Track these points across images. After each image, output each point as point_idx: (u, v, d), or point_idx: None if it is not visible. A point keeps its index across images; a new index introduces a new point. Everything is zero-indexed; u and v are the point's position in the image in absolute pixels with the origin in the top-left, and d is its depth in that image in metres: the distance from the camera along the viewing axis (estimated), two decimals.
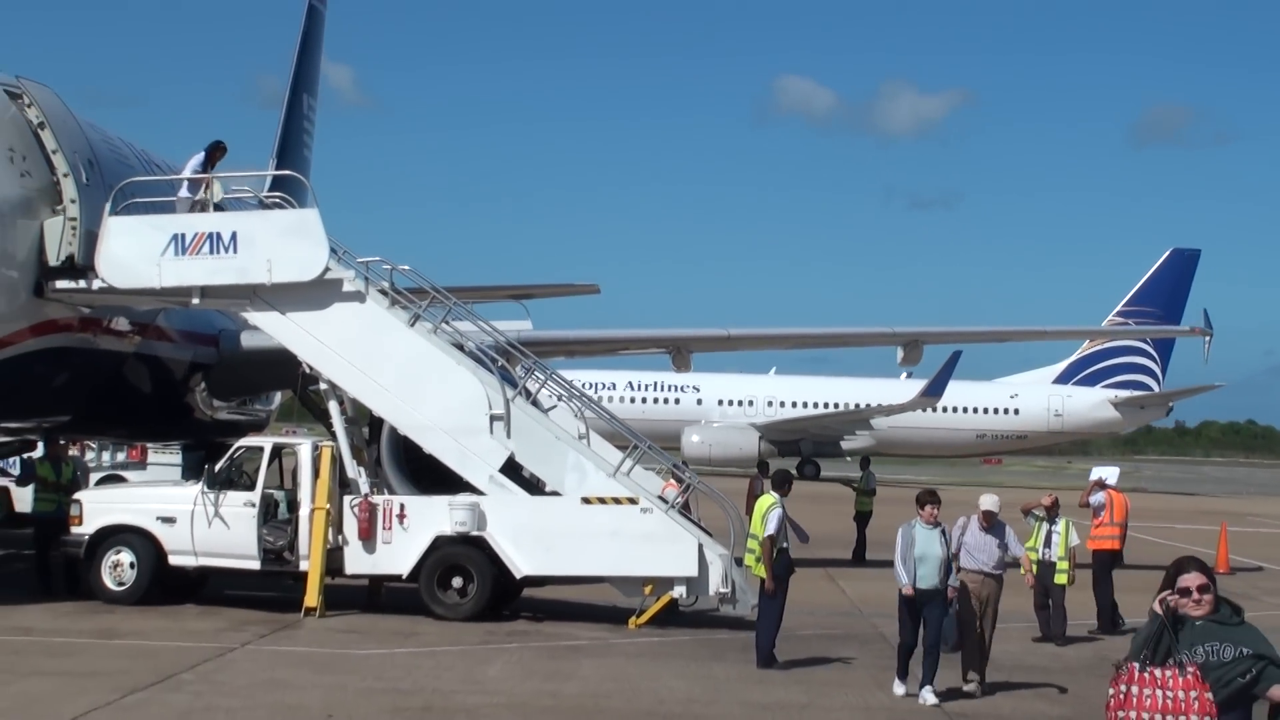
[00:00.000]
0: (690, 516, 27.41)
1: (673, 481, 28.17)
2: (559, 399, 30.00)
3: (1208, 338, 44.41)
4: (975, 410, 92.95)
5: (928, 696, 20.17)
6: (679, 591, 26.46)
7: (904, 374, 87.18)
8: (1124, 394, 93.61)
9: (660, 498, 27.13)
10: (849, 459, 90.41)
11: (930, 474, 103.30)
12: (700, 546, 26.38)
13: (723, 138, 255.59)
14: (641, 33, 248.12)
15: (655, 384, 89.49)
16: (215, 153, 29.55)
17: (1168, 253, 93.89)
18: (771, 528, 22.52)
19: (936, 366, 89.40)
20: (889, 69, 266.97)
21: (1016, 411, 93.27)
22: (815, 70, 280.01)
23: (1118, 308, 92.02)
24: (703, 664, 22.99)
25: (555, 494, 27.20)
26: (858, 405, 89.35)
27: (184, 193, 28.88)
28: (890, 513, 45.78)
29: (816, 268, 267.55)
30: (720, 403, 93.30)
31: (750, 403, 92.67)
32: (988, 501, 21.91)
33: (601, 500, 26.70)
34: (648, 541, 26.42)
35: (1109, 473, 29.70)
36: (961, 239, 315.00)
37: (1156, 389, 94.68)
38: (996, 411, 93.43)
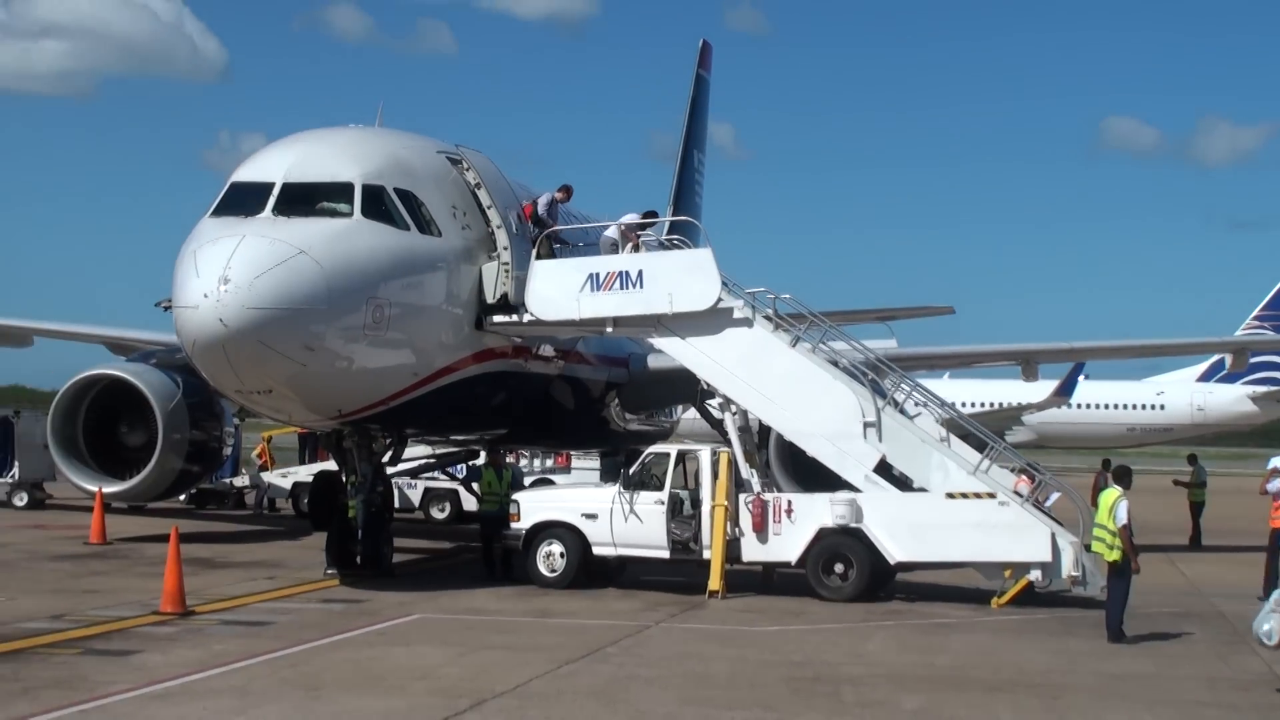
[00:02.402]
0: (1044, 508, 26.90)
1: (1024, 478, 27.66)
2: (922, 407, 29.68)
3: None
4: (1125, 407, 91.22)
5: None
6: (1035, 575, 25.97)
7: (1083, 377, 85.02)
8: (1261, 389, 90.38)
9: (1015, 492, 26.69)
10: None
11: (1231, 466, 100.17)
12: (1053, 535, 25.88)
13: (1058, 172, 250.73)
14: (983, 85, 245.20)
15: None
16: (652, 218, 30.37)
17: None
18: (1123, 517, 22.02)
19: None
20: (1206, 106, 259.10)
21: (1162, 407, 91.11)
22: (1138, 111, 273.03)
23: (1255, 312, 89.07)
24: (1058, 639, 22.57)
25: (922, 490, 26.95)
26: (1010, 404, 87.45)
27: (611, 233, 29.38)
28: (1219, 502, 44.77)
29: (1146, 282, 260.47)
30: None
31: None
32: None
33: (964, 495, 26.35)
34: (1006, 531, 26.00)
35: None
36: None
37: None
38: (1144, 408, 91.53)
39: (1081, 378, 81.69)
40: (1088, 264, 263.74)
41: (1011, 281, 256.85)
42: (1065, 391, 79.53)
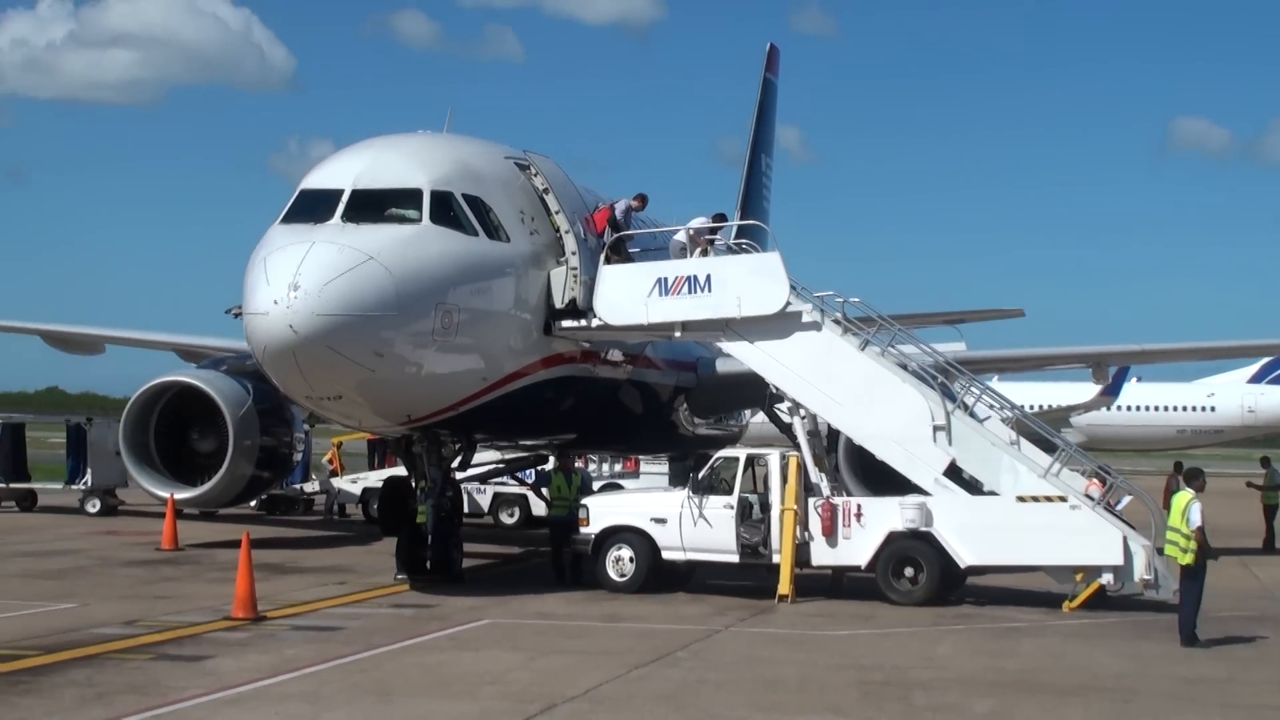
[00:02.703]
0: (1115, 511, 26.77)
1: (1095, 480, 27.56)
2: (992, 410, 29.60)
3: None
4: (1174, 409, 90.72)
5: None
6: (1107, 578, 25.86)
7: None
8: None
9: (1087, 495, 26.59)
10: None
11: None
12: (1124, 538, 25.76)
13: (1127, 173, 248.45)
14: (1051, 84, 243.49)
15: None
16: (721, 221, 30.50)
17: None
18: (1196, 520, 21.88)
19: None
20: (1278, 107, 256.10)
21: (1213, 409, 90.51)
22: (1208, 111, 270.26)
23: None
24: (1131, 643, 22.44)
25: (992, 494, 26.87)
26: (1056, 406, 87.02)
27: (680, 237, 29.50)
28: None
29: (1216, 283, 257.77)
30: None
31: None
32: None
33: (1034, 498, 26.27)
34: (1077, 534, 25.90)
35: None
36: None
37: None
38: (1194, 409, 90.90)
39: (1134, 380, 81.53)
40: (1157, 265, 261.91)
41: (1080, 283, 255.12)
42: (1111, 393, 79.48)
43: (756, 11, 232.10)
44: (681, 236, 29.56)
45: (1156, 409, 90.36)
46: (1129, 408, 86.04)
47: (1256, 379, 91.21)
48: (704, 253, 29.03)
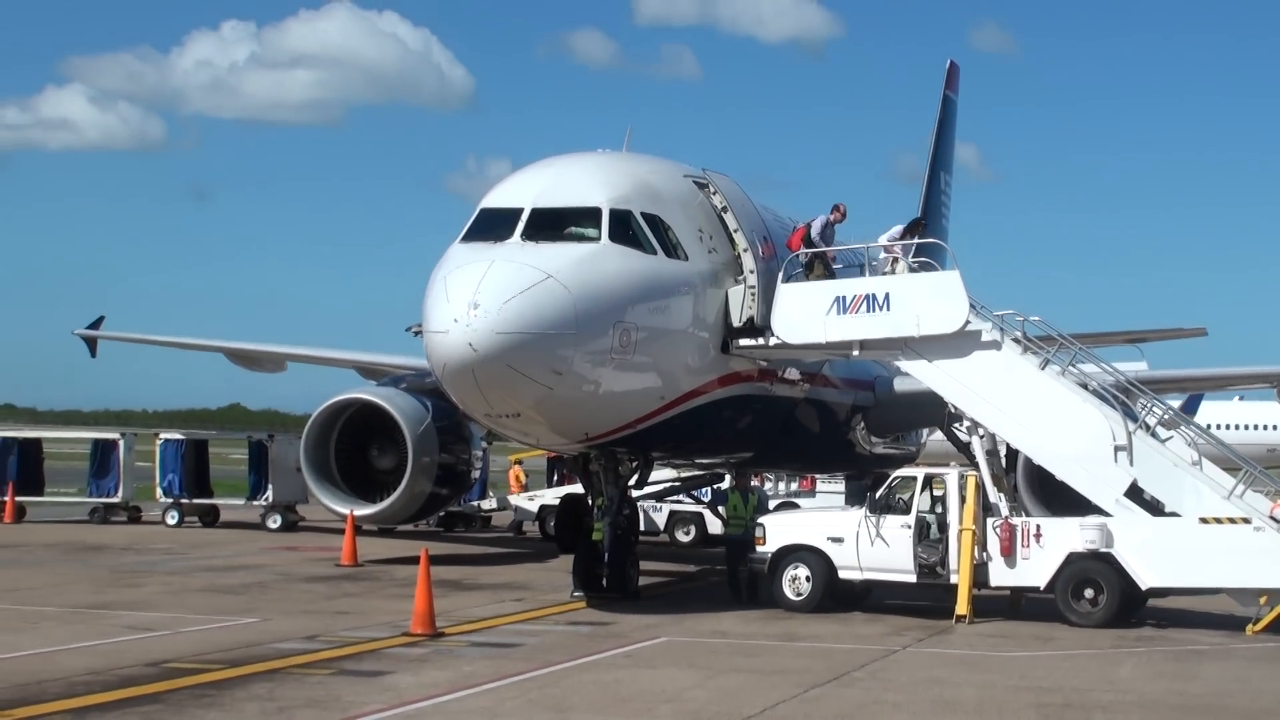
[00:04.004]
0: None
1: None
2: (1174, 430, 29.30)
3: None
4: (1266, 427, 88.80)
5: None
6: None
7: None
8: None
9: (1271, 517, 26.23)
10: None
11: None
12: None
13: None
14: (1234, 102, 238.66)
15: None
16: (917, 226, 30.45)
17: None
18: None
19: None
20: None
21: None
22: None
23: None
24: None
25: (1174, 515, 26.62)
26: None
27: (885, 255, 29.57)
28: None
29: None
30: None
31: None
32: None
33: (1217, 520, 25.96)
34: (1262, 557, 25.57)
35: None
36: None
37: None
38: None
39: (1236, 399, 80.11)
40: None
41: (1265, 301, 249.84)
42: (1187, 411, 78.22)
43: (934, 29, 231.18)
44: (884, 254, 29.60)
45: (1246, 427, 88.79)
46: (1216, 426, 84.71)
47: None
48: (894, 263, 29.04)
